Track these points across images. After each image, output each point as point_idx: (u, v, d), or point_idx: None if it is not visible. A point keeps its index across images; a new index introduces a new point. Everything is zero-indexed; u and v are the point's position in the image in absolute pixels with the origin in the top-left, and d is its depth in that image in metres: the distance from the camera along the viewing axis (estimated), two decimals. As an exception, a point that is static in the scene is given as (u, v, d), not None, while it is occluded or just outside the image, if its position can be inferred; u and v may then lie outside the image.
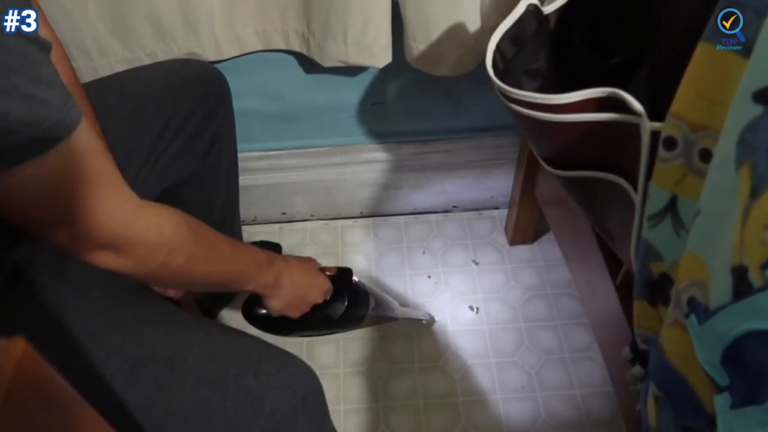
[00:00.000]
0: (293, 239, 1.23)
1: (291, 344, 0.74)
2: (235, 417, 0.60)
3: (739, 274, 0.34)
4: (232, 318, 1.10)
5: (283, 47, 0.92)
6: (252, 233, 1.24)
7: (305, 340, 1.07)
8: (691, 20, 0.46)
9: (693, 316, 0.39)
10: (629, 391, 0.61)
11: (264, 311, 0.72)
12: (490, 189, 1.21)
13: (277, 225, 1.26)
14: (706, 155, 0.42)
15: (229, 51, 0.90)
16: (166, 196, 0.80)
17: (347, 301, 0.78)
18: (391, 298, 0.95)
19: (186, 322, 0.65)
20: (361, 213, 1.25)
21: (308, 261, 0.77)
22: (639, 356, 0.57)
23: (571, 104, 0.53)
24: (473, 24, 0.82)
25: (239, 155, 0.95)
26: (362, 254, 1.20)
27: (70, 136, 0.45)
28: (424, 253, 1.20)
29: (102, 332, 0.59)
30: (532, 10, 0.63)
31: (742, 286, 0.34)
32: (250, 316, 0.74)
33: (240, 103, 0.92)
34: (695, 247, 0.40)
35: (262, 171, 1.14)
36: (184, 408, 0.59)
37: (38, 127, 0.42)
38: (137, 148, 0.73)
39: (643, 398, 0.51)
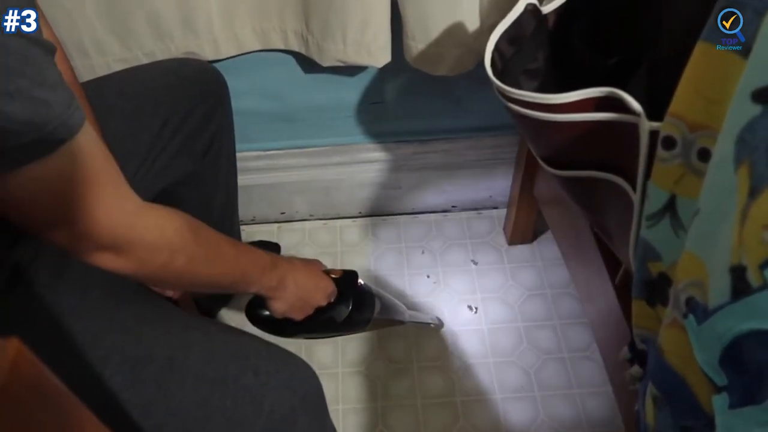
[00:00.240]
0: (292, 239, 1.23)
1: (290, 344, 0.74)
2: (234, 416, 0.60)
3: (738, 273, 0.34)
4: (232, 318, 1.10)
5: (282, 47, 0.91)
6: (251, 233, 1.24)
7: (304, 340, 1.07)
8: (691, 20, 0.46)
9: (691, 316, 0.39)
10: (628, 391, 0.61)
11: (267, 313, 0.72)
12: (489, 189, 1.21)
13: (276, 225, 1.26)
14: (704, 155, 0.42)
15: (227, 50, 0.90)
16: (164, 196, 0.80)
17: (352, 305, 0.78)
18: (399, 302, 0.94)
19: (185, 322, 0.65)
20: (360, 213, 1.25)
21: (313, 263, 0.76)
22: (637, 356, 0.57)
23: (570, 104, 0.53)
24: (472, 23, 0.82)
25: (238, 155, 0.95)
26: (361, 254, 1.20)
27: (73, 139, 0.45)
28: (423, 252, 1.20)
29: (102, 332, 0.59)
30: (531, 10, 0.63)
31: (740, 285, 0.34)
32: (254, 318, 0.73)
33: (239, 102, 0.92)
34: (694, 246, 0.40)
35: (261, 170, 1.14)
36: (184, 407, 0.59)
37: (42, 129, 0.42)
38: (136, 148, 0.73)
39: (642, 398, 0.51)
